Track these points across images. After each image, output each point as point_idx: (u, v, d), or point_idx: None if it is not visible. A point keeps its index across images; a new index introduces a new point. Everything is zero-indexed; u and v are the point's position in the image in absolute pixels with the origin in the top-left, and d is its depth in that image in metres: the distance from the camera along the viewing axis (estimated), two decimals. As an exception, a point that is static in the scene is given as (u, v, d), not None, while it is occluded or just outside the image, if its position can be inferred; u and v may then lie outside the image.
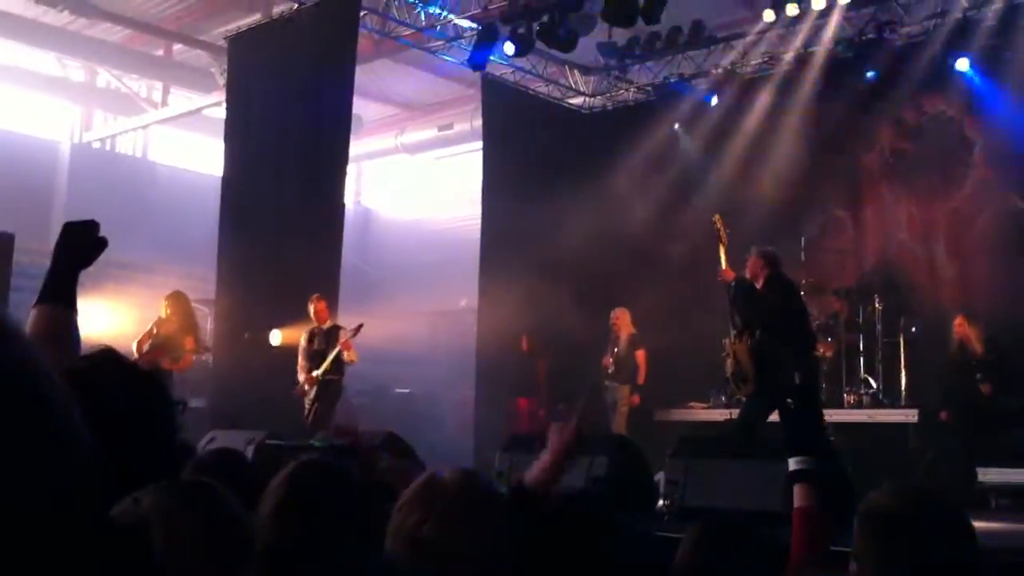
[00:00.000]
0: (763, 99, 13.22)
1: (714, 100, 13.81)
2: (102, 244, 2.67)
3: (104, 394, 2.02)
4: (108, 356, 2.08)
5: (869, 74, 12.43)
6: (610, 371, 11.97)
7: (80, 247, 2.63)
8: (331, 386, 10.86)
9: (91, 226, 2.67)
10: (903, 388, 11.17)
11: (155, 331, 10.90)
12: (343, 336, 10.71)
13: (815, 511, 3.13)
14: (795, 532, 3.14)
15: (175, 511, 1.67)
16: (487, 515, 2.07)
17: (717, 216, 9.07)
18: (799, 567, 3.02)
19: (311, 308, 10.85)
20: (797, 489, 3.19)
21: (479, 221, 13.94)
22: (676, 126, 13.98)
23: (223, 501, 1.81)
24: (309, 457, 2.61)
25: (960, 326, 10.36)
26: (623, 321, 12.03)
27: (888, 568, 2.08)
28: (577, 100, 15.20)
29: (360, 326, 10.83)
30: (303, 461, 2.50)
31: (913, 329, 11.29)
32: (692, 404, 12.55)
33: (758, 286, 8.50)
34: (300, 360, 10.86)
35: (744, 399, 9.10)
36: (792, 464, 3.20)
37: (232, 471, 2.79)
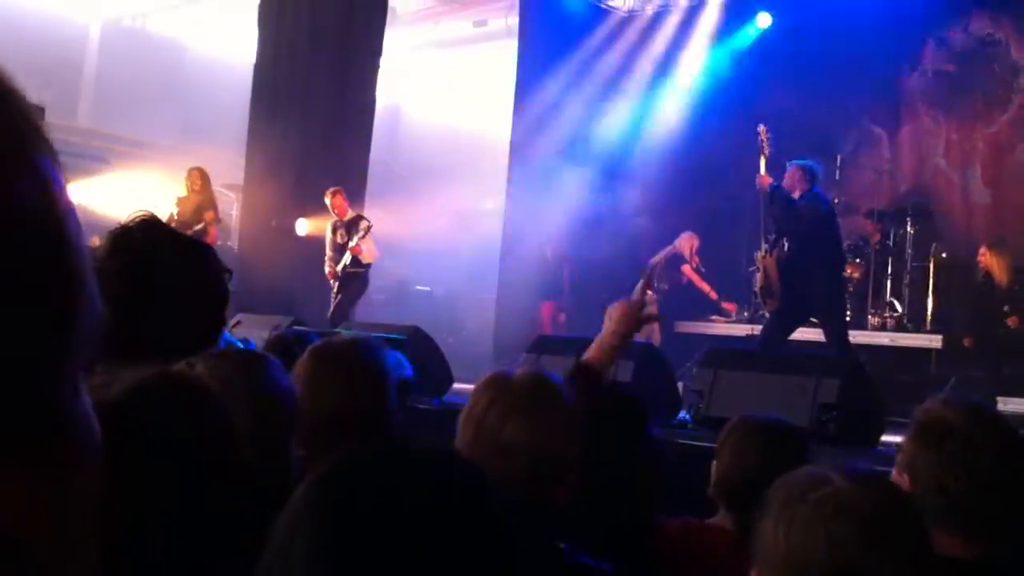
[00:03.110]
0: (806, 13, 12.90)
1: (761, 20, 13.41)
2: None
3: (152, 256, 2.01)
4: (153, 220, 2.07)
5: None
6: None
7: None
8: (354, 279, 10.85)
9: None
10: (929, 314, 11.10)
11: (175, 212, 10.92)
12: (356, 235, 10.67)
13: None
14: None
15: (229, 376, 1.65)
16: (552, 413, 2.06)
17: (762, 127, 8.95)
18: None
19: (328, 202, 10.81)
20: None
21: (509, 122, 13.78)
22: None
23: (275, 371, 1.79)
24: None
25: (983, 255, 10.25)
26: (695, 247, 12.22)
27: (945, 479, 2.05)
28: (617, 1, 14.89)
29: (369, 227, 10.74)
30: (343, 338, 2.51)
31: (943, 255, 11.19)
32: (714, 318, 12.53)
33: (794, 197, 8.42)
34: (327, 251, 10.89)
35: (768, 315, 9.08)
36: None
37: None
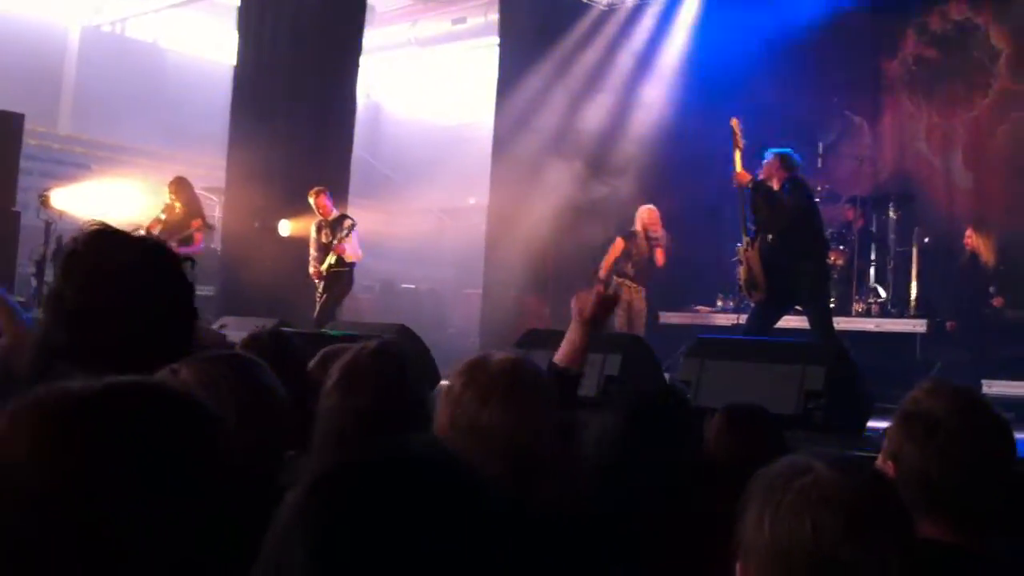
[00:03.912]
0: (787, 2, 12.92)
1: None
2: None
3: (109, 260, 1.99)
4: (105, 230, 2.06)
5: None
6: (628, 271, 11.44)
7: None
8: (338, 278, 10.82)
9: None
10: (913, 298, 11.13)
11: (163, 217, 10.88)
12: (339, 234, 10.64)
13: None
14: None
15: (216, 381, 1.65)
16: (530, 399, 2.05)
17: (734, 120, 8.91)
18: None
19: (312, 202, 10.80)
20: None
21: (490, 118, 13.77)
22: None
23: (260, 373, 1.79)
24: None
25: (969, 238, 10.35)
26: (647, 219, 11.20)
27: (930, 468, 2.04)
28: (597, -5, 14.88)
29: (353, 226, 10.71)
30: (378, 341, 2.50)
31: (926, 240, 11.23)
32: (698, 308, 12.54)
33: (775, 188, 8.41)
34: (311, 251, 10.87)
35: (753, 305, 9.08)
36: None
37: (283, 352, 2.79)
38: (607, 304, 3.20)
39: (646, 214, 11.14)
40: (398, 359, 2.45)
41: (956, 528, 2.03)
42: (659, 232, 11.09)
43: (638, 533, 2.20)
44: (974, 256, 10.28)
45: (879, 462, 2.15)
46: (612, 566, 2.12)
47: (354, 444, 2.11)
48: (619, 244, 11.19)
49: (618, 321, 11.33)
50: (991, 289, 10.05)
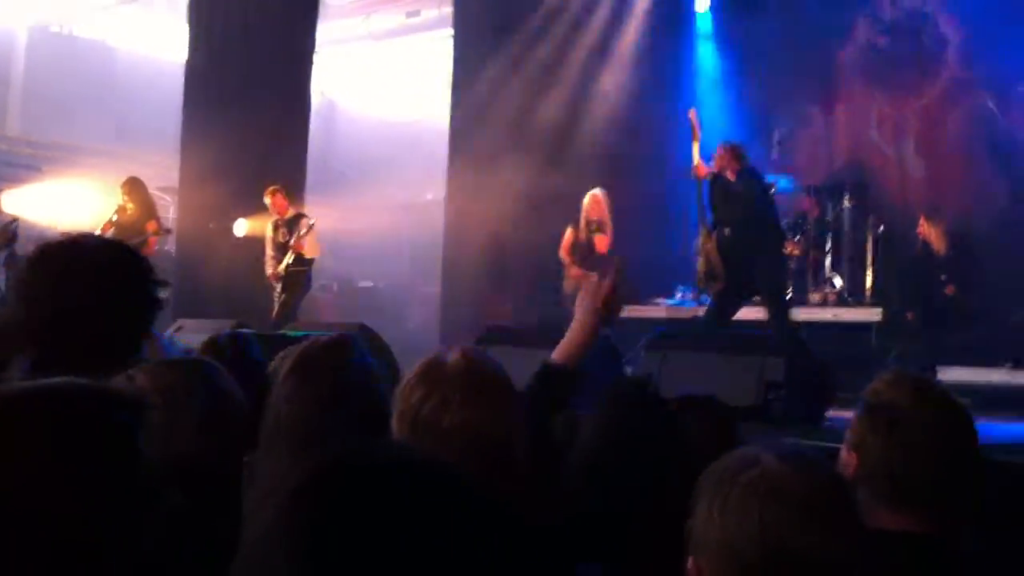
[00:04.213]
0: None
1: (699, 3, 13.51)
2: None
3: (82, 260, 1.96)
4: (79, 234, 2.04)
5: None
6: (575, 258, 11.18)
7: None
8: (296, 278, 10.74)
9: None
10: (868, 287, 11.23)
11: (115, 219, 10.75)
12: (297, 232, 10.57)
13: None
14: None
15: (172, 387, 1.63)
16: (490, 397, 1.98)
17: (691, 111, 8.97)
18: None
19: (268, 200, 10.71)
20: None
21: (446, 113, 13.70)
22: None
23: (219, 377, 1.77)
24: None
25: (922, 226, 10.42)
26: (587, 205, 10.62)
27: (893, 461, 2.05)
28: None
29: (311, 225, 10.65)
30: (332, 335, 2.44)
31: (881, 228, 11.32)
32: (657, 300, 12.56)
33: (730, 179, 8.46)
34: (267, 251, 10.77)
35: (712, 296, 9.11)
36: None
37: (242, 354, 2.75)
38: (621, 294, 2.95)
39: (586, 200, 10.75)
40: (351, 350, 2.40)
41: (923, 519, 2.03)
42: (598, 218, 10.75)
43: (626, 532, 2.17)
44: (926, 245, 10.37)
45: (842, 454, 2.16)
46: (601, 566, 2.10)
47: (313, 438, 2.08)
48: (569, 232, 10.99)
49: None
50: (943, 277, 10.15)
